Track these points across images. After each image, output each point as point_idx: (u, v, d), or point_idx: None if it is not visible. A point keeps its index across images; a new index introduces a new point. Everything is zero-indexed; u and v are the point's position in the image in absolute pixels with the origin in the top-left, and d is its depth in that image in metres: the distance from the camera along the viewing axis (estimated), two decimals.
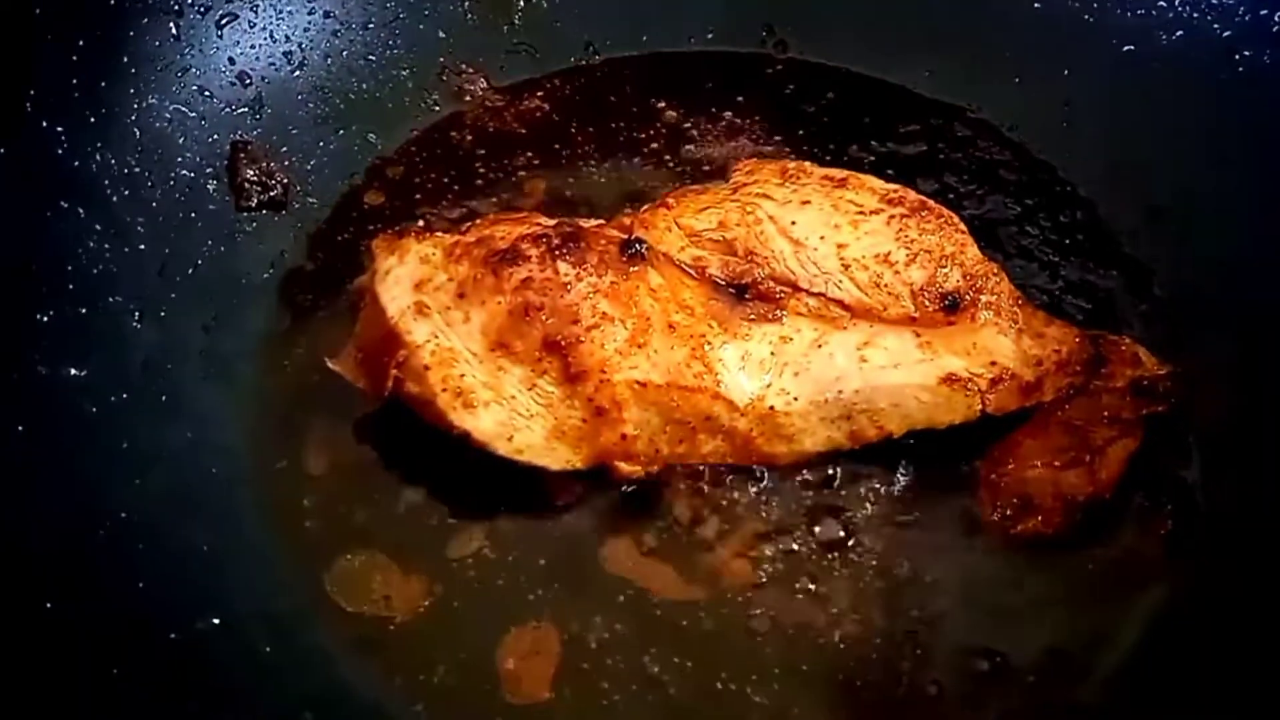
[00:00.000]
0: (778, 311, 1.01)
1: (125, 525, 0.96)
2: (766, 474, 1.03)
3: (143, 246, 1.10)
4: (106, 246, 1.07)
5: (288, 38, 1.25)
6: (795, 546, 1.00)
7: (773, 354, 1.00)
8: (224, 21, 1.21)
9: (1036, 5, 1.29)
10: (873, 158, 1.24)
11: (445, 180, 1.23)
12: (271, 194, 1.19)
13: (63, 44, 1.09)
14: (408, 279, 1.00)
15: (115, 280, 1.07)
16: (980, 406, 1.00)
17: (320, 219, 1.20)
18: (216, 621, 0.93)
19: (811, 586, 0.98)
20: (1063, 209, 1.20)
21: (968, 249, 1.03)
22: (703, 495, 1.02)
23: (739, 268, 1.02)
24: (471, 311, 0.98)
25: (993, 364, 1.00)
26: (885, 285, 1.01)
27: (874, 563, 0.99)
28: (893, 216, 1.03)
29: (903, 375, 0.99)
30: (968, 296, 1.01)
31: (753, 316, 1.01)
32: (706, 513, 1.01)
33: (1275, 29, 1.16)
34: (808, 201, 1.05)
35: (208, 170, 1.17)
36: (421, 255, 1.01)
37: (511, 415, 0.97)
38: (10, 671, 0.83)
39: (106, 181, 1.10)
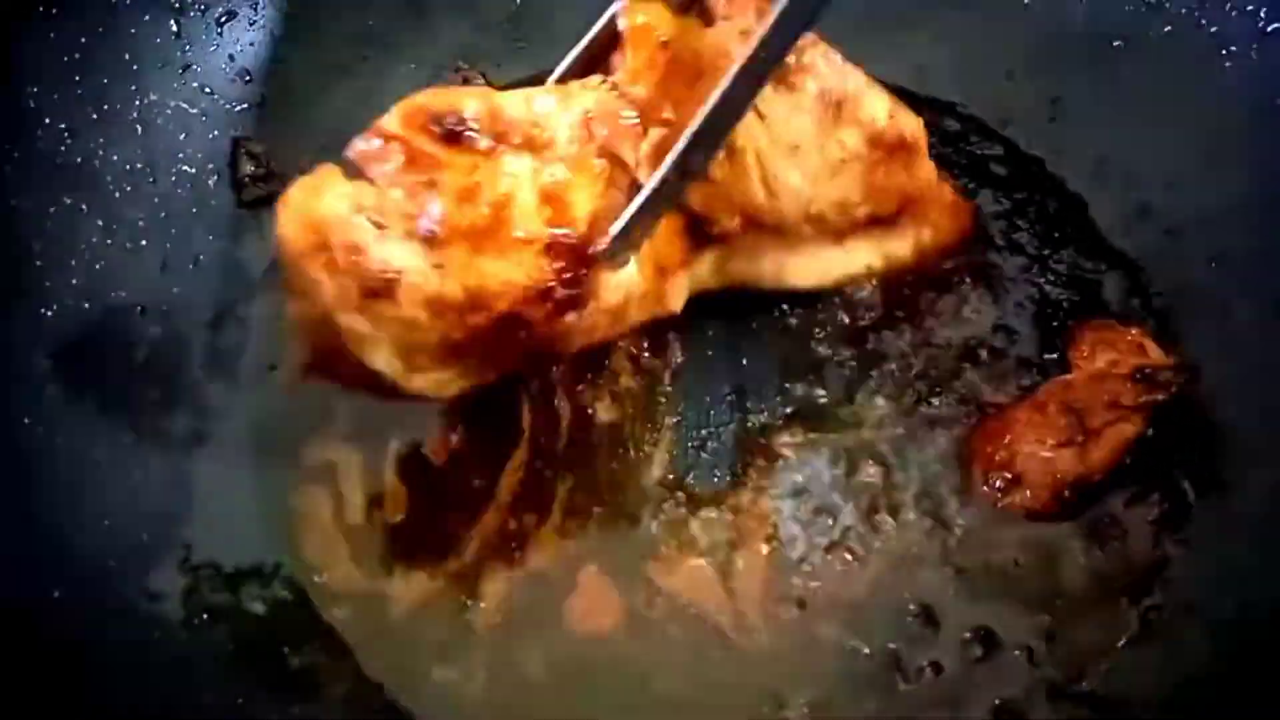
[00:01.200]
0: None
1: (127, 516, 0.98)
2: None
3: (145, 242, 1.12)
4: (110, 242, 1.09)
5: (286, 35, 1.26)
6: (794, 531, 1.02)
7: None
8: (224, 19, 1.23)
9: (1026, 2, 1.30)
10: None
11: None
12: (272, 189, 1.20)
13: (66, 41, 1.10)
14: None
15: (118, 275, 1.08)
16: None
17: None
18: (207, 614, 0.96)
19: (809, 569, 1.00)
20: (1052, 204, 1.21)
21: (921, 176, 1.11)
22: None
23: (715, 212, 1.04)
24: None
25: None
26: (830, 222, 1.08)
27: (870, 547, 1.01)
28: (870, 164, 1.07)
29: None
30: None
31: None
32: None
33: (1262, 24, 1.17)
34: (797, 146, 1.04)
35: (209, 166, 1.19)
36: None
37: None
38: (13, 658, 0.85)
39: (109, 177, 1.11)
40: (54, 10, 1.09)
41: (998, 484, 1.02)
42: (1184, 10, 1.22)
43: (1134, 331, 1.09)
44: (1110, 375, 1.04)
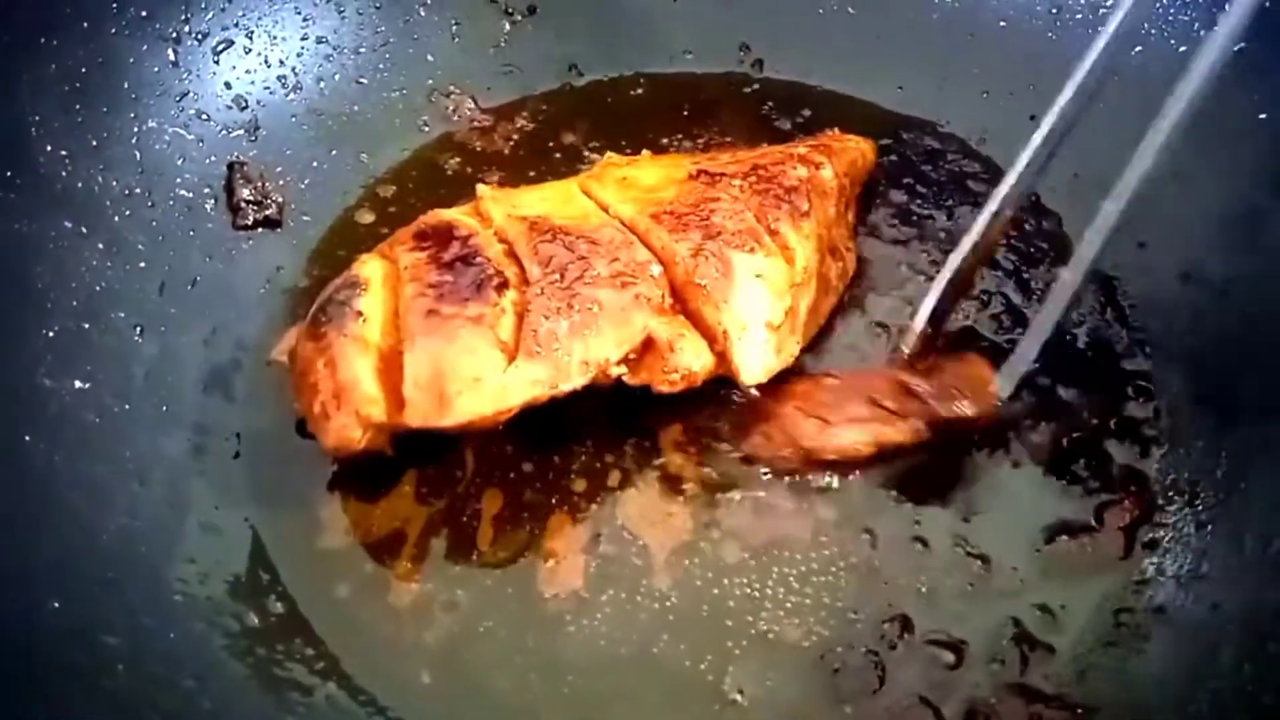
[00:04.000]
0: None
1: (126, 530, 1.00)
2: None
3: (143, 264, 1.15)
4: (109, 264, 1.12)
5: (282, 62, 1.30)
6: (762, 545, 1.04)
7: None
8: (220, 48, 1.26)
9: (1002, 24, 1.34)
10: None
11: (436, 198, 1.26)
12: (267, 213, 1.24)
13: (66, 71, 1.14)
14: None
15: (117, 296, 1.12)
16: None
17: (315, 236, 1.25)
18: (202, 626, 0.98)
19: (781, 584, 1.02)
20: (1028, 219, 1.24)
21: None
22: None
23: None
24: None
25: None
26: None
27: (837, 560, 1.03)
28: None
29: None
30: None
31: None
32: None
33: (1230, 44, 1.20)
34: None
35: (205, 190, 1.22)
36: None
37: None
38: (14, 673, 0.87)
39: (108, 202, 1.15)
40: (55, 41, 1.13)
41: (756, 438, 1.07)
42: (1154, 31, 1.26)
43: (976, 359, 1.11)
44: (899, 381, 1.08)
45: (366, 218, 1.27)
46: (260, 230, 1.23)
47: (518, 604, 1.01)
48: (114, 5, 1.18)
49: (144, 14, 1.20)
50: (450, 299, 1.00)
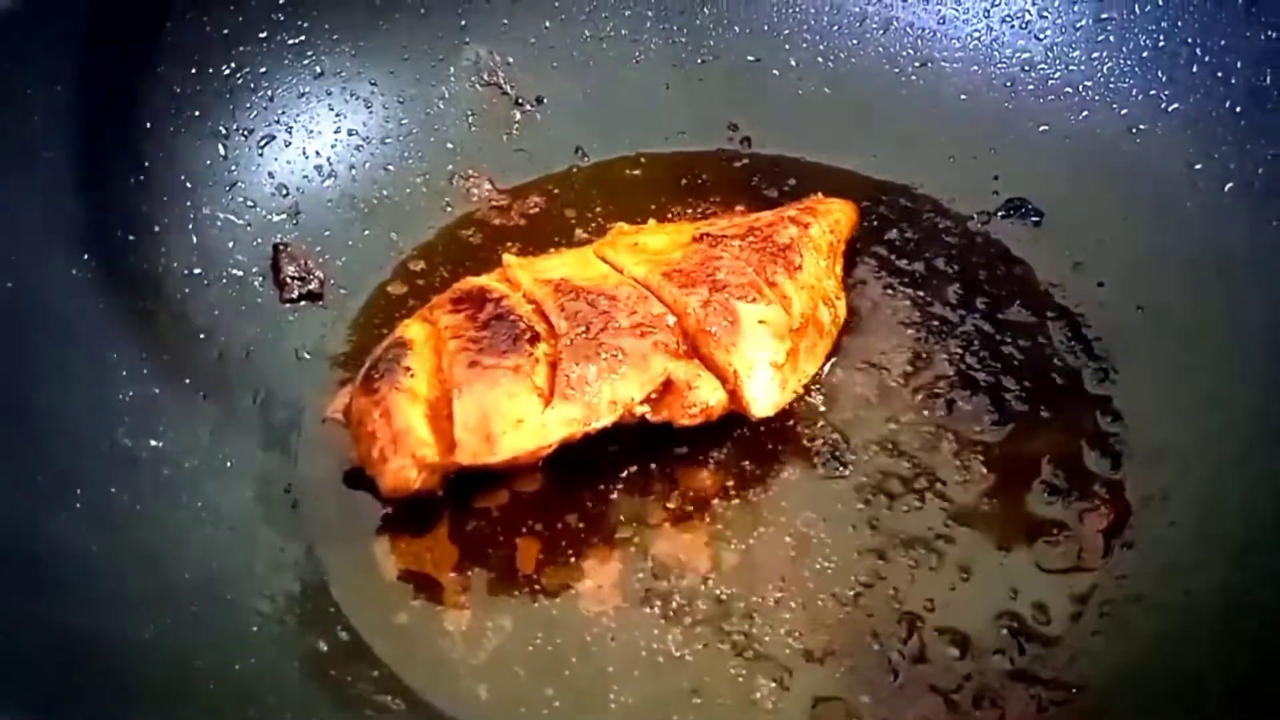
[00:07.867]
0: None
1: (203, 570, 1.10)
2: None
3: (203, 335, 1.27)
4: (173, 335, 1.24)
5: (318, 153, 1.44)
6: (760, 543, 1.15)
7: None
8: (264, 142, 1.40)
9: (963, 97, 1.50)
10: None
11: (460, 270, 1.38)
12: (310, 287, 1.36)
13: (128, 165, 1.28)
14: None
15: (182, 364, 1.23)
16: None
17: (353, 307, 1.37)
18: (277, 652, 1.06)
19: (781, 581, 1.12)
20: (998, 266, 1.38)
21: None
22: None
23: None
24: None
25: None
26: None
27: (854, 570, 1.13)
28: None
29: None
30: None
31: None
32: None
33: (1163, 105, 1.37)
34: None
35: (254, 269, 1.35)
36: None
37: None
38: (119, 685, 0.95)
39: (171, 282, 1.27)
40: (118, 140, 1.26)
41: None
42: (1097, 97, 1.42)
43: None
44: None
45: (399, 289, 1.39)
46: (304, 303, 1.35)
47: (561, 623, 1.10)
48: (173, 107, 1.32)
49: (198, 114, 1.34)
50: (490, 352, 1.13)
